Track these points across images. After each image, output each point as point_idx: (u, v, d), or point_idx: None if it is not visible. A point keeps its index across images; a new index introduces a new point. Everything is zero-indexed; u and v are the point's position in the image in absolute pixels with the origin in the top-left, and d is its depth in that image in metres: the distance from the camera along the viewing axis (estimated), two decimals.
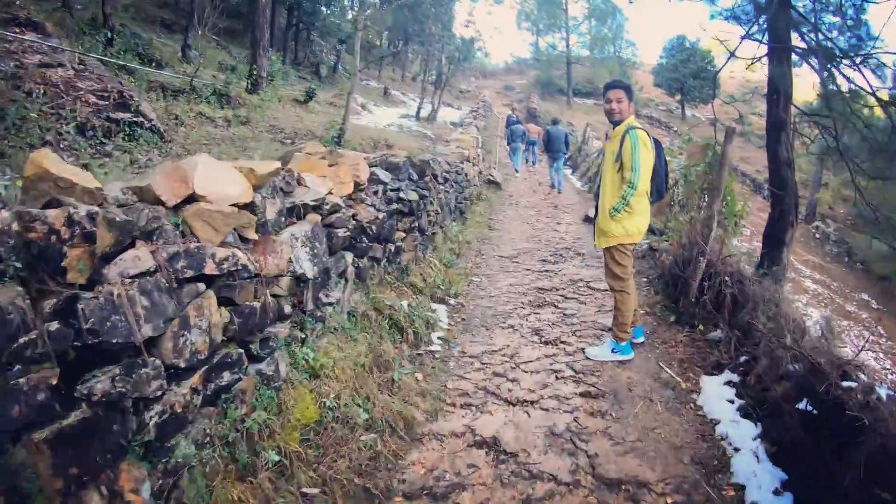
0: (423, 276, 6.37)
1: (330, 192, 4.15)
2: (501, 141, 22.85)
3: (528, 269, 7.74)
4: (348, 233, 4.35)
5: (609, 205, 4.52)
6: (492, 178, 15.44)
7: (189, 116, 9.88)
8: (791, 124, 7.44)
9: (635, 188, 4.30)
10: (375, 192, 5.16)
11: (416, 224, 6.33)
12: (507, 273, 7.58)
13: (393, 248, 5.58)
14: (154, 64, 12.65)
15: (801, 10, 7.47)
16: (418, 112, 21.53)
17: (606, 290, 6.76)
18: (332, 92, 20.63)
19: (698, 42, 42.82)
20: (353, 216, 4.52)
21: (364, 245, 4.75)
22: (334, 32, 25.92)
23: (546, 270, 7.69)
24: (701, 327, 5.35)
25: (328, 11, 25.12)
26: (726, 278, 5.37)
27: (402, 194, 5.82)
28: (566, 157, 17.38)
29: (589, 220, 11.62)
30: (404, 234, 5.92)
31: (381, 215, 5.10)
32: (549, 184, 16.69)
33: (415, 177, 6.33)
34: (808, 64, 7.54)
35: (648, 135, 4.46)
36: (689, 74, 40.44)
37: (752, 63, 8.21)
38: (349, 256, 4.44)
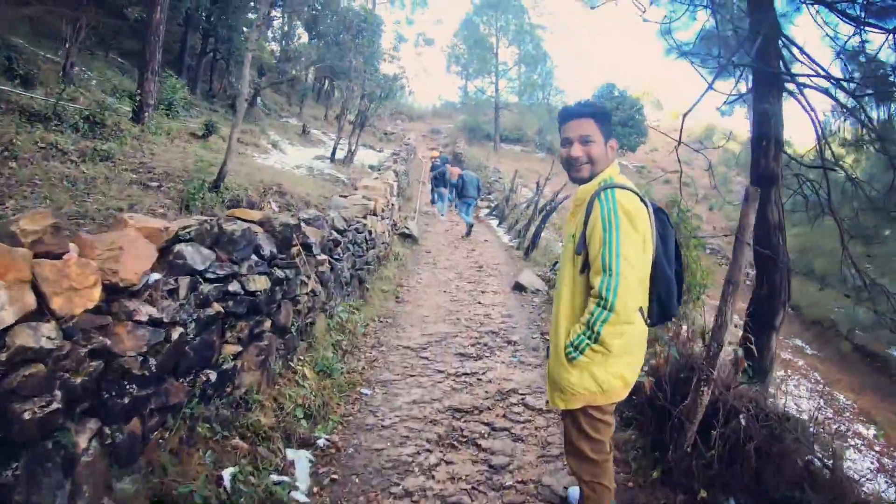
0: (279, 402, 4.20)
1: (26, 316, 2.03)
2: (424, 187, 21.09)
3: (440, 371, 5.66)
4: (62, 391, 2.19)
5: (564, 337, 2.49)
6: (407, 231, 13.44)
7: (33, 147, 7.51)
8: (782, 178, 5.93)
9: (612, 309, 2.20)
10: (173, 291, 3.00)
11: (267, 324, 4.18)
12: (412, 378, 5.47)
13: (215, 377, 3.41)
14: (19, 81, 10.27)
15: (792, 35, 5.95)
16: (333, 153, 19.47)
17: (550, 412, 4.81)
18: (245, 127, 18.36)
19: (626, 91, 42.94)
20: (90, 352, 2.36)
21: (122, 400, 2.57)
22: (256, 66, 23.74)
23: (466, 374, 5.63)
24: (704, 494, 3.41)
25: (244, 38, 22.83)
26: (743, 420, 3.49)
27: (236, 284, 3.68)
28: (476, 201, 16.65)
29: (519, 287, 9.74)
30: (239, 348, 3.75)
31: (176, 333, 2.94)
32: (465, 230, 15.51)
33: (268, 251, 4.19)
34: (799, 101, 6.00)
35: (643, 199, 2.44)
36: (616, 123, 40.19)
37: (729, 102, 6.69)
38: (82, 437, 2.29)
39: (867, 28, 5.57)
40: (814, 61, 5.82)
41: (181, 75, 18.91)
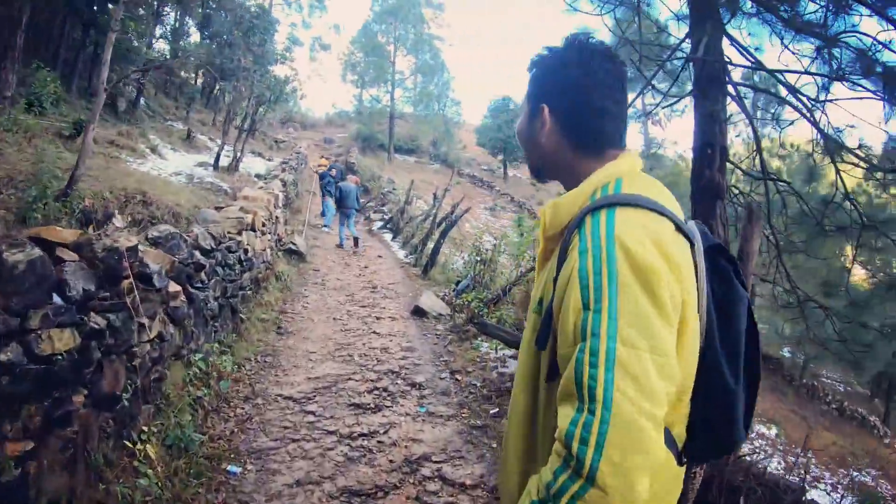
0: None
1: None
2: (314, 198, 19.69)
3: (330, 433, 4.48)
4: None
5: (518, 491, 1.30)
6: (294, 247, 12.09)
7: None
8: (727, 191, 5.29)
9: (592, 482, 0.97)
10: None
11: (79, 398, 2.88)
12: (295, 445, 4.26)
13: None
14: None
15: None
16: (217, 160, 17.69)
17: (477, 487, 3.80)
18: (123, 129, 16.31)
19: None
20: None
21: None
22: (135, 61, 21.31)
23: (363, 434, 4.49)
24: None
25: (126, 34, 20.19)
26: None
27: (16, 349, 2.39)
28: (356, 211, 15.77)
29: (420, 312, 8.71)
30: (30, 444, 2.46)
31: None
32: (352, 243, 14.66)
33: (79, 290, 2.90)
34: (740, 106, 5.41)
35: (679, 225, 1.23)
36: (511, 135, 40.40)
37: (667, 105, 6.01)
38: None
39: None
40: (758, 62, 5.22)
41: (55, 69, 16.57)
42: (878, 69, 4.49)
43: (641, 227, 1.15)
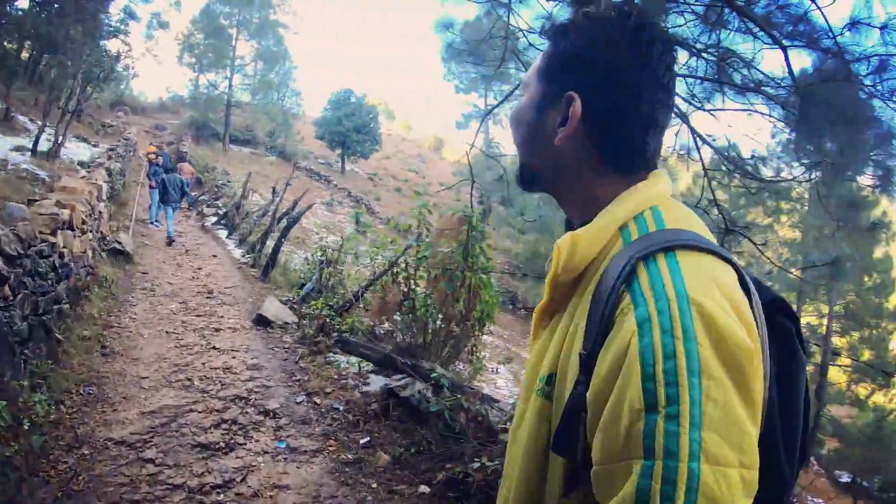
0: None
1: None
2: (143, 189, 17.92)
3: (175, 487, 3.79)
4: None
5: None
6: (119, 247, 10.76)
7: None
8: None
9: None
10: None
11: None
12: None
13: None
14: None
15: None
16: (35, 144, 15.40)
17: None
18: None
19: (364, 97, 42.62)
20: None
21: None
22: None
23: (217, 486, 3.86)
24: None
25: None
26: None
27: None
28: (179, 204, 15.17)
29: (263, 321, 8.03)
30: None
31: None
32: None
33: None
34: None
35: (741, 275, 0.87)
36: (352, 129, 39.70)
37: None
38: None
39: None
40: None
41: None
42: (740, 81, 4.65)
43: (712, 281, 0.80)
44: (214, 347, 6.84)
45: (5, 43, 24.23)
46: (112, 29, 19.85)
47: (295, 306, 8.87)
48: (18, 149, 14.94)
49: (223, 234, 15.98)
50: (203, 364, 6.27)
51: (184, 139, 31.66)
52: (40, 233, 5.81)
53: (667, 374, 0.72)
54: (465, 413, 5.10)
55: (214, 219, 17.93)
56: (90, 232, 8.45)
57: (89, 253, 8.15)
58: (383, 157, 48.02)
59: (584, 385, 0.83)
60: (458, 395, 5.23)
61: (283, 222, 12.55)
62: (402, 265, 7.16)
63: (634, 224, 0.91)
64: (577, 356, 0.85)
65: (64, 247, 6.47)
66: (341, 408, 5.53)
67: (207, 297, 9.18)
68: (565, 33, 1.02)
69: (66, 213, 6.67)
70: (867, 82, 4.29)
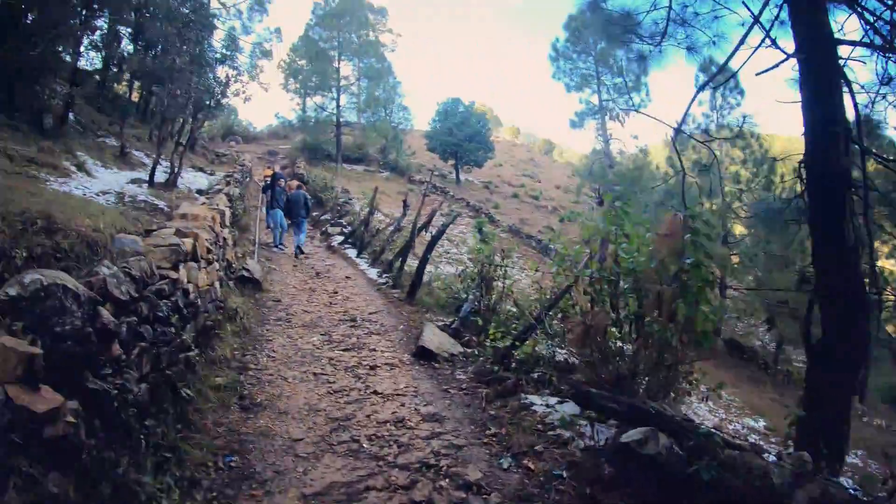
0: None
1: None
2: (262, 213, 17.36)
3: None
4: None
5: None
6: (247, 274, 9.79)
7: None
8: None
9: None
10: None
11: None
12: None
13: None
14: None
15: None
16: (152, 175, 15.18)
17: None
18: (45, 146, 13.60)
19: (473, 105, 41.54)
20: None
21: None
22: (59, 68, 18.37)
23: None
24: None
25: (49, 45, 16.66)
26: None
27: None
28: (306, 219, 15.53)
29: (425, 354, 6.61)
30: None
31: None
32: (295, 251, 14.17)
33: None
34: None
35: None
36: (463, 138, 38.58)
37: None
38: None
39: None
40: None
41: None
42: None
43: None
44: (376, 392, 5.46)
45: (115, 85, 25.18)
46: (218, 56, 19.51)
47: (455, 331, 7.44)
48: (135, 181, 14.66)
49: (352, 252, 14.91)
50: (368, 417, 4.88)
51: (297, 162, 31.62)
52: (159, 268, 4.64)
53: None
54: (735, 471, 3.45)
55: (340, 238, 16.98)
56: (216, 261, 7.40)
57: (216, 285, 7.07)
58: (496, 164, 46.65)
59: None
60: (719, 448, 3.58)
61: (421, 233, 11.28)
62: (589, 280, 5.49)
63: None
64: None
65: (188, 282, 5.32)
66: (564, 474, 3.94)
67: (352, 326, 7.93)
68: None
69: (188, 243, 5.51)
70: None
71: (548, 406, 5.08)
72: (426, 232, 12.31)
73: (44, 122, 16.98)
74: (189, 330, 5.14)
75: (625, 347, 5.20)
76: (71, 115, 19.11)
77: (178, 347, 4.63)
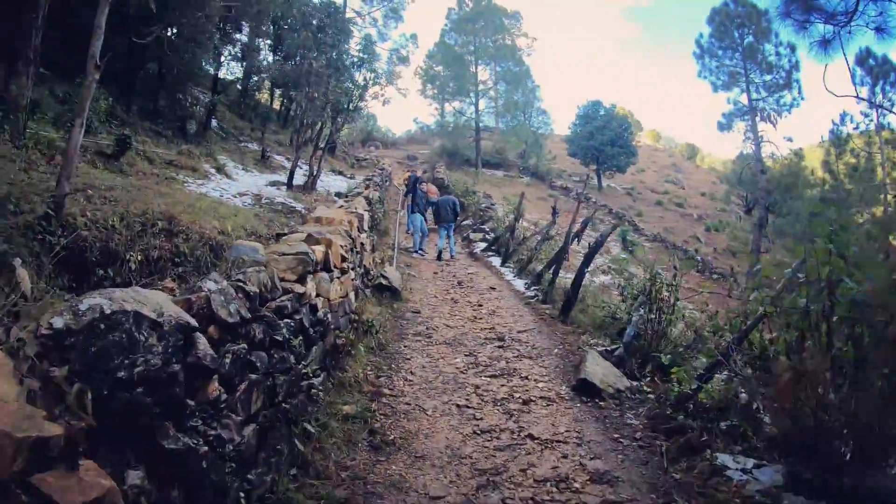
0: None
1: None
2: (402, 218, 16.99)
3: None
4: None
5: None
6: (386, 282, 9.17)
7: None
8: None
9: None
10: None
11: None
12: None
13: None
14: None
15: None
16: (290, 178, 15.28)
17: None
18: (185, 149, 14.11)
19: (614, 107, 39.62)
20: None
21: None
22: (201, 78, 19.32)
23: None
24: None
25: (188, 53, 17.35)
26: None
27: None
28: (454, 224, 15.05)
29: (588, 388, 5.52)
30: None
31: None
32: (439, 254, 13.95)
33: None
34: None
35: None
36: (605, 142, 36.75)
37: None
38: None
39: None
40: None
41: (106, 85, 14.54)
42: None
43: None
44: (531, 436, 4.47)
45: (257, 94, 26.32)
46: (355, 60, 19.45)
47: (623, 360, 6.29)
48: (273, 183, 14.75)
49: (496, 261, 14.00)
50: (522, 471, 3.91)
51: (437, 166, 31.38)
52: (282, 280, 3.95)
53: None
54: None
55: (483, 244, 16.16)
56: (352, 269, 6.75)
57: (351, 296, 6.40)
58: (637, 169, 44.24)
59: None
60: None
61: (573, 242, 10.17)
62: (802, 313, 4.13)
63: None
64: None
65: (317, 295, 4.62)
66: None
67: (500, 347, 6.98)
68: None
69: (318, 251, 4.82)
70: None
71: (744, 471, 3.86)
72: (577, 242, 11.19)
73: (187, 128, 17.95)
74: (315, 352, 4.42)
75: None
76: (214, 122, 20.04)
77: (298, 376, 3.90)
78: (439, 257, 13.90)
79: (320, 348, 4.59)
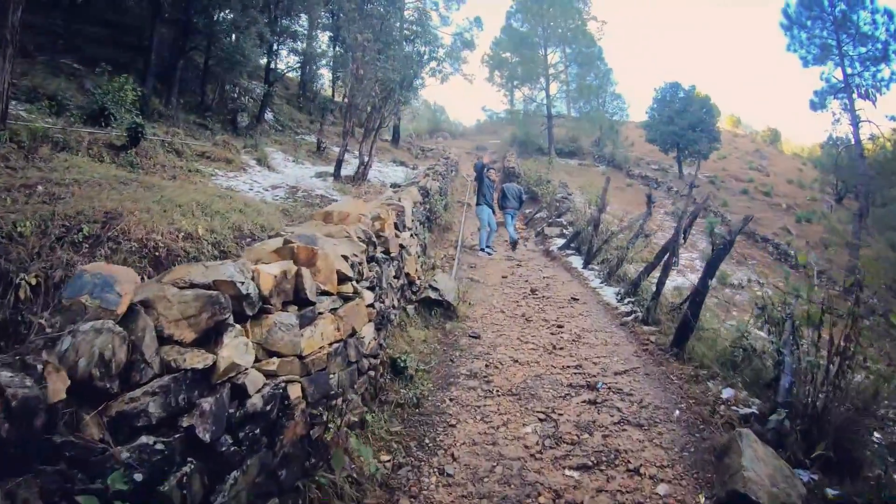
0: None
1: None
2: (469, 210, 14.94)
3: None
4: None
5: None
6: (435, 295, 7.01)
7: None
8: None
9: None
10: None
11: None
12: None
13: None
14: None
15: None
16: (338, 168, 13.41)
17: None
18: (220, 140, 12.67)
19: (693, 89, 36.07)
20: None
21: None
22: (251, 70, 17.98)
23: None
24: None
25: (231, 40, 15.64)
26: None
27: None
28: (518, 211, 14.37)
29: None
30: None
31: None
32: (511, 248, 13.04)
33: None
34: None
35: None
36: (685, 126, 33.42)
37: None
38: None
39: None
40: None
41: (146, 78, 13.27)
42: None
43: None
44: None
45: (315, 85, 25.32)
46: (407, 33, 17.56)
47: (783, 432, 3.90)
48: (320, 175, 13.09)
49: (576, 261, 11.56)
50: None
51: (507, 155, 29.14)
52: (169, 340, 1.85)
53: None
54: None
55: (560, 241, 13.69)
56: (373, 287, 4.59)
57: (367, 330, 4.19)
58: (719, 156, 40.47)
59: None
60: None
61: (682, 242, 7.68)
62: None
63: None
64: None
65: (255, 362, 2.51)
66: None
67: (590, 403, 4.69)
68: None
69: (266, 281, 2.70)
70: None
71: None
72: (683, 241, 8.69)
73: (237, 121, 17.22)
74: (239, 479, 2.29)
75: None
76: (270, 115, 18.89)
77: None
78: (514, 247, 13.07)
79: (261, 457, 2.44)
